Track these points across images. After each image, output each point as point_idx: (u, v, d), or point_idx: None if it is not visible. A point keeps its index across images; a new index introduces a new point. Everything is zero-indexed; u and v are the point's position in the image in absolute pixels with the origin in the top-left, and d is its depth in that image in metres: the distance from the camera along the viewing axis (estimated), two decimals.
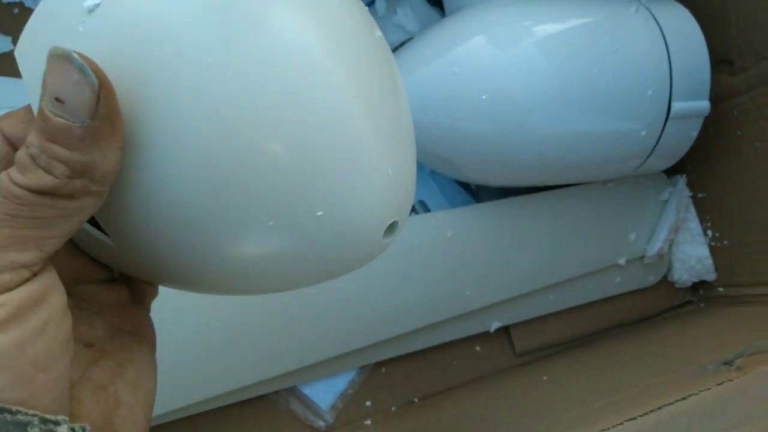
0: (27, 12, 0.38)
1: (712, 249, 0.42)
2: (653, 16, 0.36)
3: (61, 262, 0.16)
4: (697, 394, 0.26)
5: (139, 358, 0.18)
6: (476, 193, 0.42)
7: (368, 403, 0.38)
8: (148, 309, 0.20)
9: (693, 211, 0.42)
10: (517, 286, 0.39)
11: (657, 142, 0.36)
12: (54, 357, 0.14)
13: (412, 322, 0.37)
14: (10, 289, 0.13)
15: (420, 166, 0.42)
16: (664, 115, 0.35)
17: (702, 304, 0.43)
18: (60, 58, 0.13)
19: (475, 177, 0.38)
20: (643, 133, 0.35)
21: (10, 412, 0.13)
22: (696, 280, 0.42)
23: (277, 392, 0.36)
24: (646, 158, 0.37)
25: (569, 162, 0.36)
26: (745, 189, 0.39)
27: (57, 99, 0.13)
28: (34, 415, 0.13)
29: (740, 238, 0.40)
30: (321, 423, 0.37)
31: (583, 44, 0.35)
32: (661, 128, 0.36)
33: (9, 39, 0.37)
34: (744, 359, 0.28)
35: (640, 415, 0.25)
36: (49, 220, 0.14)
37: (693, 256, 0.41)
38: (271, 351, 0.34)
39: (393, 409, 0.38)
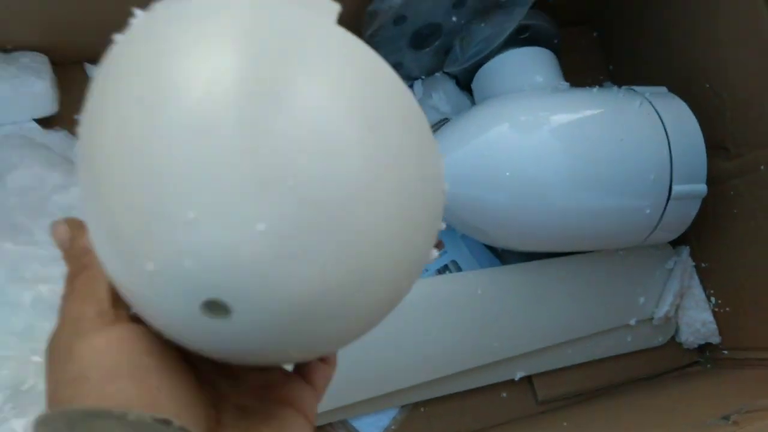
0: None
1: (715, 314, 0.46)
2: (655, 109, 0.42)
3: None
4: None
5: (291, 425, 0.20)
6: (502, 255, 0.47)
7: None
8: (311, 384, 0.22)
9: (696, 279, 0.47)
10: (538, 339, 0.43)
11: (660, 219, 0.41)
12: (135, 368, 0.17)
13: (447, 367, 0.41)
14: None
15: (452, 231, 0.47)
16: (666, 196, 0.40)
17: (708, 365, 0.47)
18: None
19: (500, 242, 0.44)
20: (648, 210, 0.40)
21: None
22: (702, 342, 0.46)
23: (330, 424, 0.41)
24: (651, 232, 0.42)
25: (582, 233, 0.41)
26: (743, 261, 0.44)
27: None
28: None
29: (740, 306, 0.44)
30: None
31: (593, 133, 0.40)
32: (663, 207, 0.41)
33: None
34: (740, 415, 0.32)
35: None
36: (78, 287, 0.19)
37: (698, 320, 0.45)
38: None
39: None
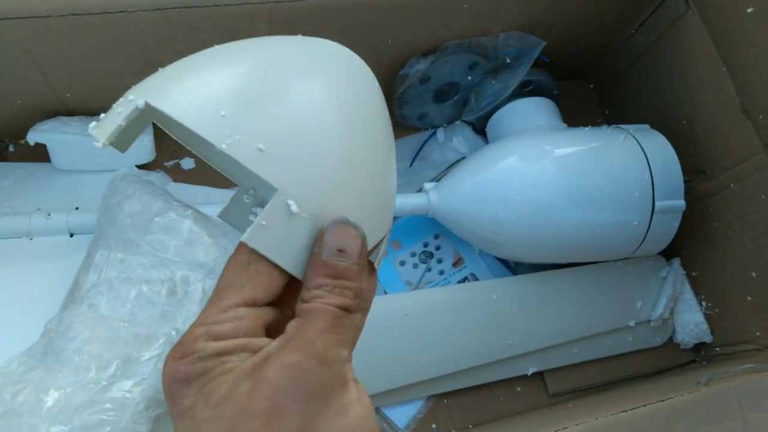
0: None
1: (707, 316, 0.52)
2: (637, 141, 0.50)
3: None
4: (674, 397, 0.36)
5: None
6: (514, 269, 0.55)
7: (433, 426, 0.48)
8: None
9: (688, 286, 0.53)
10: (547, 338, 0.50)
11: (647, 231, 0.48)
12: None
13: (467, 361, 0.48)
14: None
15: (471, 248, 0.55)
16: (650, 211, 0.47)
17: (704, 363, 0.52)
18: (342, 222, 0.19)
19: (511, 255, 0.51)
20: (635, 223, 0.48)
21: None
22: (696, 341, 0.52)
23: None
24: (641, 243, 0.49)
25: (580, 245, 0.48)
26: (727, 267, 0.50)
27: (339, 250, 0.18)
28: None
29: (727, 306, 0.50)
30: None
31: (587, 161, 0.48)
32: (649, 220, 0.48)
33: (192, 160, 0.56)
34: (713, 381, 0.38)
35: (631, 409, 0.36)
36: (347, 328, 0.19)
37: (691, 321, 0.51)
38: (363, 376, 0.46)
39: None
